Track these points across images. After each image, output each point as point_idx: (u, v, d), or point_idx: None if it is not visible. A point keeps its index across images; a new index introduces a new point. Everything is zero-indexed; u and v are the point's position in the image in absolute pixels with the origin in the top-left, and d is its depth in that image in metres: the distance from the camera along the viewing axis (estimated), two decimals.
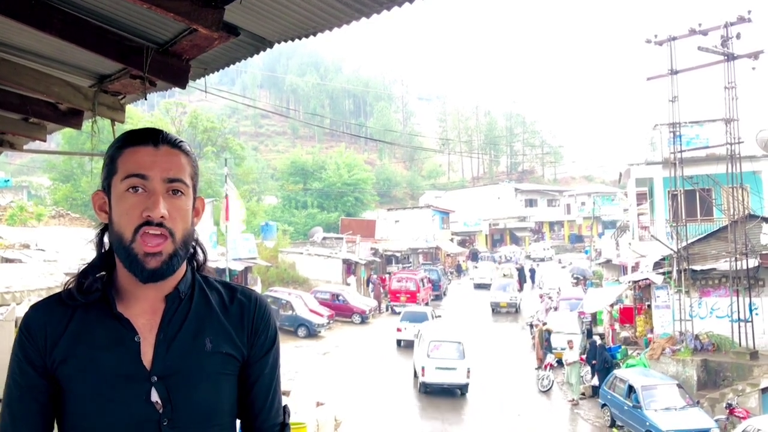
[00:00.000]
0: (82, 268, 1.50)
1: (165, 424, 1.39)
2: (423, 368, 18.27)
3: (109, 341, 1.42)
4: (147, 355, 1.42)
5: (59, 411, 1.44)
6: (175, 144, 1.47)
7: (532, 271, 45.32)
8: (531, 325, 26.31)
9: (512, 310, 33.28)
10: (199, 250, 1.62)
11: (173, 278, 1.48)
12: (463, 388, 18.58)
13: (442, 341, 18.66)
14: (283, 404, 1.64)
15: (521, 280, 40.34)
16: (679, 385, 15.64)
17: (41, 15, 2.77)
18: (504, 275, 38.38)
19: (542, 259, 58.65)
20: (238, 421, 1.58)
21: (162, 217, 1.38)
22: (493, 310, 33.35)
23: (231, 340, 1.51)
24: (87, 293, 1.45)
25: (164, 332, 1.45)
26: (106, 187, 1.46)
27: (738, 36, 18.47)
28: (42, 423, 1.44)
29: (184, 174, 1.46)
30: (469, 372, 18.24)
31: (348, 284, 35.26)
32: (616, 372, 16.81)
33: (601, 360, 18.36)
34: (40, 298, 1.58)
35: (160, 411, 1.40)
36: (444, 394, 18.42)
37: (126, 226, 1.40)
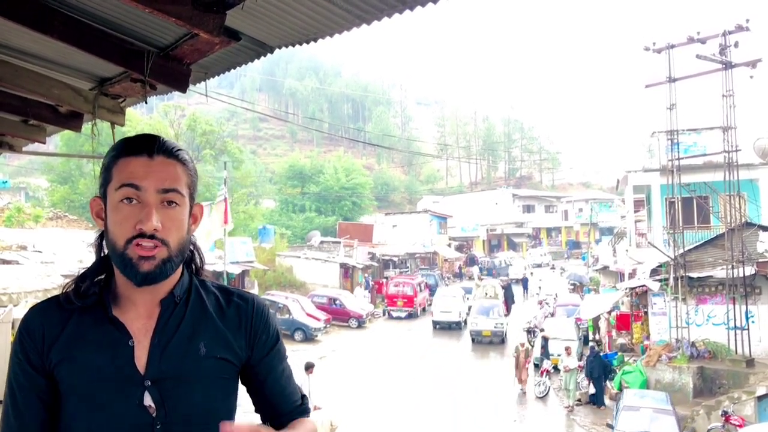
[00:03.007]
0: (80, 272, 1.51)
1: (158, 427, 1.40)
2: (432, 312, 30.83)
3: (103, 345, 1.42)
4: (141, 359, 1.42)
5: (56, 412, 1.45)
6: (171, 153, 1.46)
7: (525, 281, 44.09)
8: (528, 331, 26.25)
9: (497, 340, 26.52)
10: (196, 255, 1.62)
11: (169, 282, 1.48)
12: (458, 324, 29.78)
13: (444, 296, 31.59)
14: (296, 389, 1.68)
15: (508, 301, 32.10)
16: (676, 415, 14.17)
17: (43, 18, 2.78)
18: (487, 295, 30.26)
19: (539, 265, 58.40)
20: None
21: (155, 229, 1.38)
22: (473, 339, 26.87)
23: (227, 344, 1.51)
24: (83, 297, 1.45)
25: (159, 336, 1.45)
26: (103, 195, 1.46)
27: (736, 44, 18.52)
28: (48, 420, 1.45)
29: (180, 184, 1.45)
30: (461, 314, 29.85)
31: (354, 295, 35.08)
32: (627, 391, 16.12)
33: (599, 366, 18.31)
34: (37, 300, 1.59)
35: (154, 415, 1.40)
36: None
37: (119, 236, 1.40)
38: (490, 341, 26.44)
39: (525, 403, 18.83)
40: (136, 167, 1.41)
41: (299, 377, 13.19)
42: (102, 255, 1.51)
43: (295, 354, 23.63)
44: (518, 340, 21.56)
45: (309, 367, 14.09)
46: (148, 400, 1.40)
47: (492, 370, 22.39)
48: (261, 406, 1.62)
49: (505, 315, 28.49)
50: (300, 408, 1.64)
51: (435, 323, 30.17)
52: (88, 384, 1.39)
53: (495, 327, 26.61)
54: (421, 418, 16.82)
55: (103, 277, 1.51)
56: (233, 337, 1.53)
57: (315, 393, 13.78)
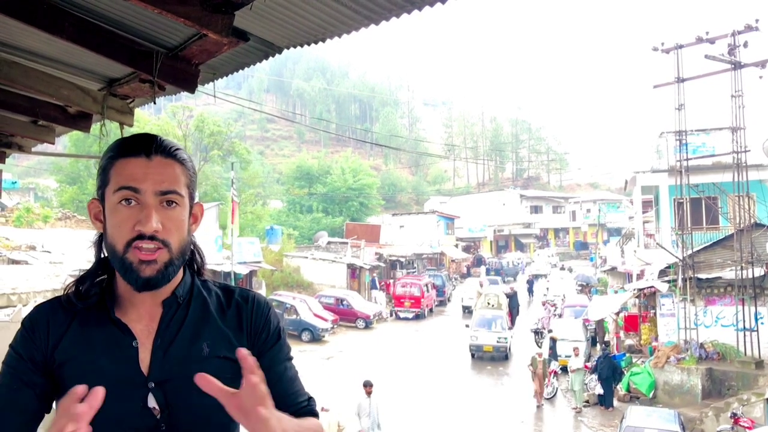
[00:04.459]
0: (80, 274, 1.49)
1: (163, 429, 1.39)
2: (461, 298, 36.95)
3: (107, 346, 1.42)
4: (144, 361, 1.41)
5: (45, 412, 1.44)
6: (169, 153, 1.42)
7: (531, 282, 43.56)
8: (535, 332, 26.15)
9: (500, 356, 23.84)
10: (197, 255, 1.60)
11: (171, 283, 1.46)
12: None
13: (471, 285, 37.78)
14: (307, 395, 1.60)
15: (513, 312, 28.70)
16: None
17: (54, 19, 2.79)
18: (489, 304, 26.57)
19: (554, 265, 57.97)
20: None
21: (155, 231, 1.36)
22: (473, 355, 24.12)
23: (229, 343, 1.49)
24: (84, 298, 1.44)
25: (161, 337, 1.44)
26: (101, 197, 1.44)
27: (745, 44, 18.44)
28: (36, 417, 1.43)
29: (179, 184, 1.42)
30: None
31: (376, 301, 35.19)
32: (633, 408, 15.17)
33: (608, 368, 18.20)
34: (46, 300, 1.57)
35: (158, 417, 1.39)
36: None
37: (119, 238, 1.38)
38: (491, 357, 23.99)
39: (532, 404, 18.77)
40: (134, 169, 1.38)
41: (359, 398, 12.68)
42: (102, 256, 1.49)
43: (303, 354, 23.71)
44: (533, 351, 20.28)
45: (367, 386, 12.56)
46: (152, 402, 1.39)
47: (500, 372, 22.37)
48: None
49: (509, 328, 25.81)
50: (305, 408, 1.57)
51: (464, 308, 35.45)
52: (91, 386, 1.37)
53: (498, 342, 23.83)
54: (425, 418, 16.82)
55: (104, 277, 1.49)
56: (235, 337, 1.51)
57: (383, 415, 12.65)
